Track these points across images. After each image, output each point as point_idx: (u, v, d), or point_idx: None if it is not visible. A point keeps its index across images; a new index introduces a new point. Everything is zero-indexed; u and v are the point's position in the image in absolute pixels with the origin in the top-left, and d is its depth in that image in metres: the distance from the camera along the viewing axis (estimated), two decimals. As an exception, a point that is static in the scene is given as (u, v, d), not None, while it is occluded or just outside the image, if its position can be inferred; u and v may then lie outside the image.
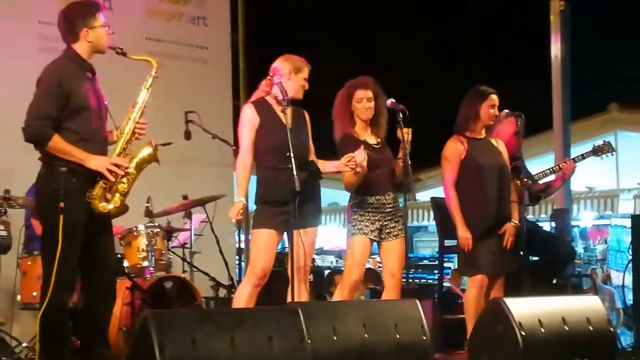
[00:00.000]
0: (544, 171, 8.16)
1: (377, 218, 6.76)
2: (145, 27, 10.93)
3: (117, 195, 5.67)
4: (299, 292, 6.19)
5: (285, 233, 6.37)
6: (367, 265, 11.93)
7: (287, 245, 6.53)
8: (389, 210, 6.80)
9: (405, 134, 6.64)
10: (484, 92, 7.27)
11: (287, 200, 6.16)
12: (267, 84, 6.44)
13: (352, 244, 6.80)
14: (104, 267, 5.89)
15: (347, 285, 6.77)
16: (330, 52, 16.70)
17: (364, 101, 6.82)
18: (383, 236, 6.79)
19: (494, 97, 7.26)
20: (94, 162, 5.60)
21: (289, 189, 6.08)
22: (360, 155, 6.42)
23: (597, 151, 8.19)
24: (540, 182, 8.17)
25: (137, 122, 5.76)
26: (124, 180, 5.67)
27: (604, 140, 8.33)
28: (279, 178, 6.20)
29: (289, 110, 6.33)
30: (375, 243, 6.84)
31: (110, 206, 5.65)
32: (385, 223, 6.78)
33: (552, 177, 8.27)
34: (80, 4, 5.92)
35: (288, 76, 6.34)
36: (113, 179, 5.60)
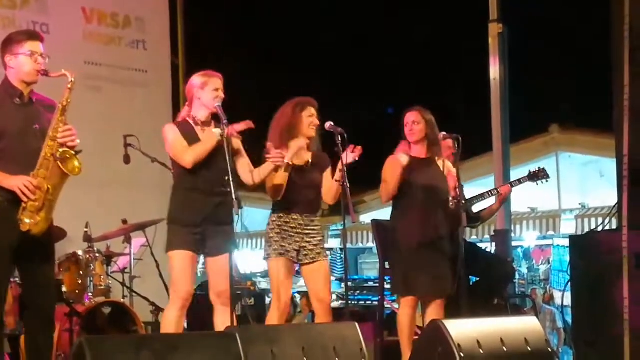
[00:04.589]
0: (482, 194, 8.25)
1: (295, 239, 6.72)
2: (84, 51, 10.89)
3: (41, 213, 5.60)
4: (224, 318, 6.13)
5: (201, 254, 6.34)
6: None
7: (201, 268, 6.47)
8: (307, 232, 6.76)
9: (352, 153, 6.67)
10: (404, 111, 7.30)
11: (199, 223, 6.17)
12: (186, 111, 6.41)
13: (272, 266, 6.74)
14: (44, 294, 5.83)
15: (277, 308, 6.70)
16: (272, 72, 16.78)
17: (314, 117, 6.81)
18: (301, 258, 6.75)
19: (410, 113, 7.26)
20: (8, 182, 5.57)
21: (202, 212, 6.15)
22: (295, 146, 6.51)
23: (533, 177, 8.38)
24: (478, 205, 8.28)
25: (60, 132, 5.66)
26: (36, 197, 5.58)
27: (539, 167, 8.49)
28: (194, 200, 6.20)
29: (208, 131, 6.31)
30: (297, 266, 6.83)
31: (27, 220, 5.56)
32: (304, 245, 6.74)
33: (489, 202, 8.37)
34: (15, 32, 5.99)
35: (197, 95, 6.30)
36: (25, 199, 5.55)
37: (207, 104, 6.29)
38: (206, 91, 6.28)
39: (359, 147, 6.72)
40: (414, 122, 7.26)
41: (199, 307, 8.43)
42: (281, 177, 6.61)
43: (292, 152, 6.63)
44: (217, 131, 6.15)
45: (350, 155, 6.68)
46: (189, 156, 6.17)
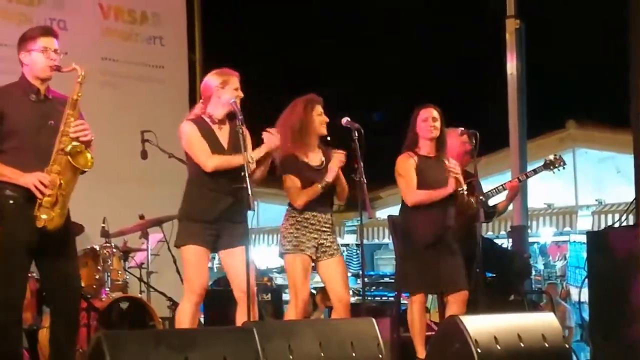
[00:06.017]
0: (496, 188, 8.23)
1: (314, 236, 6.76)
2: (101, 47, 10.89)
3: (55, 209, 5.61)
4: (249, 313, 6.13)
5: (215, 251, 6.36)
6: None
7: (217, 263, 6.49)
8: (324, 229, 6.81)
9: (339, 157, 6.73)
10: (417, 108, 7.27)
11: (213, 220, 6.19)
12: (200, 108, 6.41)
13: (289, 262, 6.77)
14: (67, 293, 5.84)
15: (298, 305, 6.72)
16: (287, 69, 16.74)
17: (323, 115, 6.83)
18: (319, 255, 6.79)
19: (426, 109, 7.23)
20: (23, 179, 5.58)
21: (217, 209, 6.17)
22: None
23: (548, 165, 8.31)
24: (494, 199, 8.26)
25: (72, 127, 5.67)
26: (51, 192, 5.59)
27: (555, 154, 8.43)
28: (210, 197, 6.22)
29: (226, 129, 6.34)
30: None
31: (43, 217, 5.56)
32: (322, 241, 6.78)
33: (504, 195, 8.35)
34: (29, 29, 5.98)
35: (217, 93, 6.30)
36: (40, 195, 5.56)
37: (226, 103, 6.30)
38: (227, 90, 6.28)
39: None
40: (435, 118, 7.23)
41: (216, 303, 8.43)
42: (314, 194, 6.72)
43: (333, 174, 6.71)
44: (250, 155, 6.19)
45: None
46: (211, 163, 6.19)
